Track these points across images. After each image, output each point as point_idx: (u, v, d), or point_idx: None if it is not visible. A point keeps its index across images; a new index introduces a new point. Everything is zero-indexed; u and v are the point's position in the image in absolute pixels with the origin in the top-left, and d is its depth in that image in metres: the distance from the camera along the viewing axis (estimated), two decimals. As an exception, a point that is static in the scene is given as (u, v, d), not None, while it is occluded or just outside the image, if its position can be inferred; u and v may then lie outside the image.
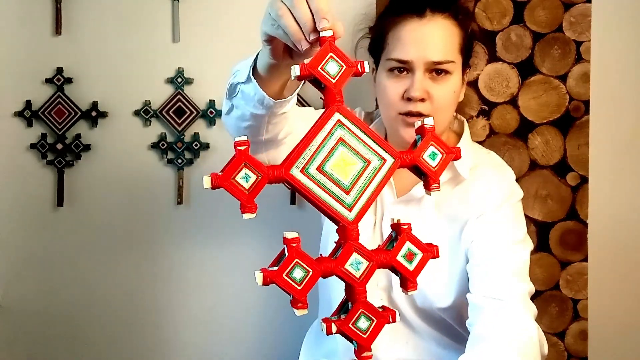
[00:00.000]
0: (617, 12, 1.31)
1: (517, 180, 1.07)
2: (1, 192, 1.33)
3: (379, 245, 0.61)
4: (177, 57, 1.32)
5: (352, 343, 0.58)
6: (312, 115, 1.04)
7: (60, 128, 1.32)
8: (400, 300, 1.03)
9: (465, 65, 1.03)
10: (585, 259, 1.32)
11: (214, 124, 1.33)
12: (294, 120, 0.90)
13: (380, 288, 1.04)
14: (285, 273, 0.55)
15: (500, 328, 0.90)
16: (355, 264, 0.57)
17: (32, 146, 1.32)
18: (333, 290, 1.06)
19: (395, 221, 0.61)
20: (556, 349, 1.32)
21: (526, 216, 1.06)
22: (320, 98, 0.62)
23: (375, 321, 0.58)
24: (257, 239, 1.33)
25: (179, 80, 1.32)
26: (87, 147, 1.33)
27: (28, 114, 1.31)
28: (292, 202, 1.34)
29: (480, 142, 1.28)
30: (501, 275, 0.95)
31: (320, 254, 0.61)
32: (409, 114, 0.96)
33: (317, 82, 0.60)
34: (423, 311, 1.04)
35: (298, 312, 0.55)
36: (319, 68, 0.59)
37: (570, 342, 1.33)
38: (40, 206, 1.33)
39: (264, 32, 0.70)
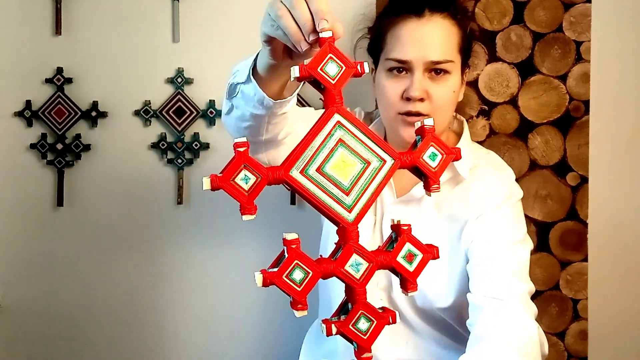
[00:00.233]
0: (617, 12, 1.31)
1: (517, 180, 1.07)
2: (1, 192, 1.33)
3: (379, 246, 0.61)
4: (177, 57, 1.32)
5: (352, 344, 0.58)
6: (312, 115, 1.04)
7: (60, 128, 1.31)
8: (400, 301, 1.03)
9: (465, 65, 1.03)
10: (585, 259, 1.32)
11: (214, 124, 1.33)
12: (294, 120, 0.90)
13: (380, 288, 1.04)
14: (285, 274, 0.55)
15: (501, 328, 0.90)
16: (355, 265, 0.57)
17: (32, 146, 1.32)
18: (333, 291, 1.06)
19: (395, 222, 0.61)
20: (556, 349, 1.32)
21: (526, 216, 1.06)
22: (320, 99, 0.61)
23: (375, 322, 0.58)
24: (257, 239, 1.33)
25: (179, 80, 1.32)
26: (87, 147, 1.32)
27: (28, 114, 1.31)
28: (292, 203, 1.35)
29: (480, 142, 1.28)
30: (501, 275, 0.95)
31: (320, 255, 0.61)
32: (409, 113, 0.96)
33: (317, 83, 0.60)
34: (423, 311, 1.04)
35: (298, 314, 0.55)
36: (318, 69, 0.59)
37: (570, 342, 1.33)
38: (40, 206, 1.33)
39: (263, 32, 0.70)
